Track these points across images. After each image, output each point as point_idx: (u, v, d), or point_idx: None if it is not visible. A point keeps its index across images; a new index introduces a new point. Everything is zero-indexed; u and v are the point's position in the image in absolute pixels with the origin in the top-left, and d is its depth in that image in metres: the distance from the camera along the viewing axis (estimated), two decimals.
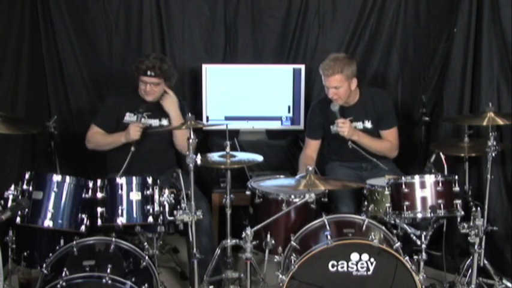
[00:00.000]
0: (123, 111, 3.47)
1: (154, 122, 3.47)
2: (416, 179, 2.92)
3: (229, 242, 3.00)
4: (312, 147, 3.63)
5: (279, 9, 4.13)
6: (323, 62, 3.39)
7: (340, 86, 3.34)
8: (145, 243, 2.96)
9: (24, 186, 2.71)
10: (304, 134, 3.70)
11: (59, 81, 4.13)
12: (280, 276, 2.66)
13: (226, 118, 4.05)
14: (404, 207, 2.89)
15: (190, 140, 2.71)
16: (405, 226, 2.90)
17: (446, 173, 3.02)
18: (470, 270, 2.95)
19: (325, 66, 3.35)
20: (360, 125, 3.50)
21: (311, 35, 4.14)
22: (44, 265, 2.70)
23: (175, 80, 3.54)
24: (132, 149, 3.30)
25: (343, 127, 3.35)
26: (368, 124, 3.50)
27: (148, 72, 3.32)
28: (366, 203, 3.09)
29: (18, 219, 2.66)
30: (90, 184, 2.78)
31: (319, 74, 4.11)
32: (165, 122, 3.51)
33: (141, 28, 4.10)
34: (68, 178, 2.75)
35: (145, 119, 3.39)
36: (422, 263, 2.80)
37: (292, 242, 2.82)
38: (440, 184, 2.89)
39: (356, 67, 3.41)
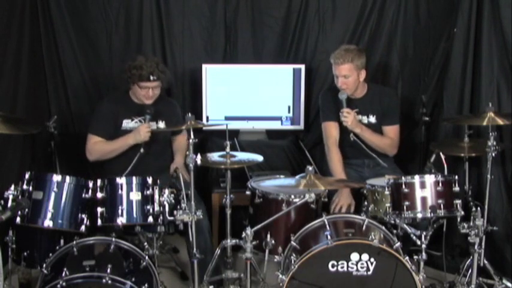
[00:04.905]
0: (120, 119, 3.43)
1: (152, 125, 3.45)
2: (416, 179, 2.92)
3: (229, 242, 3.00)
4: (334, 128, 3.52)
5: (279, 9, 4.13)
6: (334, 52, 3.45)
7: (350, 75, 3.39)
8: (145, 243, 2.96)
9: (24, 186, 2.71)
10: (321, 120, 3.61)
11: (59, 81, 4.12)
12: (280, 276, 2.66)
13: (226, 118, 4.05)
14: (404, 207, 2.89)
15: (190, 140, 2.72)
16: (405, 226, 2.90)
17: (446, 173, 3.01)
18: (470, 270, 2.95)
19: (336, 55, 3.41)
20: (364, 119, 3.53)
21: (311, 35, 4.14)
22: (44, 265, 2.70)
23: (170, 81, 3.56)
24: (142, 150, 3.25)
25: (347, 117, 3.36)
26: (372, 119, 3.54)
27: (151, 77, 3.28)
28: (366, 203, 3.09)
29: (18, 219, 2.67)
30: (90, 184, 2.78)
31: (319, 74, 4.16)
32: (161, 124, 3.48)
33: (141, 28, 4.10)
34: (68, 178, 2.75)
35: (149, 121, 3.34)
36: (422, 263, 2.80)
37: (292, 242, 2.82)
38: (440, 184, 2.89)
39: (365, 59, 3.46)
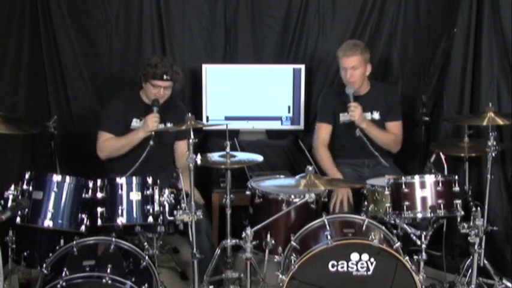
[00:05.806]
0: (129, 118, 3.44)
1: (160, 126, 3.44)
2: (416, 179, 2.91)
3: (229, 242, 3.00)
4: (326, 130, 3.62)
5: (279, 9, 4.13)
6: (342, 46, 3.53)
7: (358, 67, 3.46)
8: (145, 243, 2.95)
9: (24, 186, 2.70)
10: (316, 120, 3.69)
11: (59, 81, 4.12)
12: (280, 276, 2.66)
13: (226, 118, 4.05)
14: (404, 207, 2.89)
15: (190, 140, 2.71)
16: (405, 226, 2.90)
17: (446, 173, 3.01)
18: (470, 270, 2.95)
19: (345, 47, 3.50)
20: (368, 115, 3.55)
21: (311, 35, 4.14)
22: (44, 265, 2.70)
23: (182, 83, 3.55)
24: (151, 143, 3.18)
25: (354, 111, 3.39)
26: (376, 115, 3.57)
27: (165, 77, 3.32)
28: (365, 203, 3.09)
29: (18, 219, 2.66)
30: (90, 184, 2.77)
31: (319, 74, 4.17)
32: (169, 126, 3.49)
33: (141, 28, 4.10)
34: (68, 178, 2.74)
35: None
36: (422, 263, 2.79)
37: (292, 242, 2.82)
38: (440, 184, 2.89)
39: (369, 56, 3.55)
